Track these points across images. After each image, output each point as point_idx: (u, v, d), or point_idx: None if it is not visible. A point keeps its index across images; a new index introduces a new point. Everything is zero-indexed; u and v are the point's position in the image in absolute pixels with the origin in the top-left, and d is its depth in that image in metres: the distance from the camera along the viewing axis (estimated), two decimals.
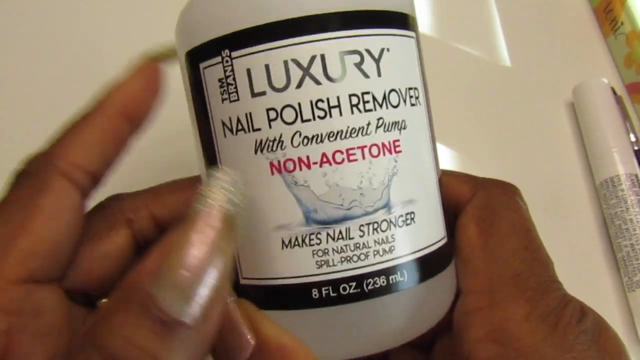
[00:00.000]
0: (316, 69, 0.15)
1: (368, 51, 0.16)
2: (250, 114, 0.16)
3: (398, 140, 0.16)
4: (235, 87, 0.16)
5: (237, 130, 0.16)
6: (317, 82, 0.15)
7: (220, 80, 0.16)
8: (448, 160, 0.32)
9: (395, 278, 0.16)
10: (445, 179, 0.19)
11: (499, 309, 0.17)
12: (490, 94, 0.34)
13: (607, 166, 0.30)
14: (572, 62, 0.35)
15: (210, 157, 0.17)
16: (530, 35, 0.36)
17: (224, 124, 0.16)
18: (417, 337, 0.22)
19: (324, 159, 0.15)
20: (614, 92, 0.32)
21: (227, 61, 0.16)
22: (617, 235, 0.29)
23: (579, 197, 0.31)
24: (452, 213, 0.19)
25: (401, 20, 0.17)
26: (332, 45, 0.15)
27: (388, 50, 0.16)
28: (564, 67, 0.35)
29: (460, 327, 0.18)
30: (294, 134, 0.15)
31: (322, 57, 0.15)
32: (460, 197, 0.20)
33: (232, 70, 0.16)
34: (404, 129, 0.16)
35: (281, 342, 0.15)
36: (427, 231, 0.17)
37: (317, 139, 0.15)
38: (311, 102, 0.15)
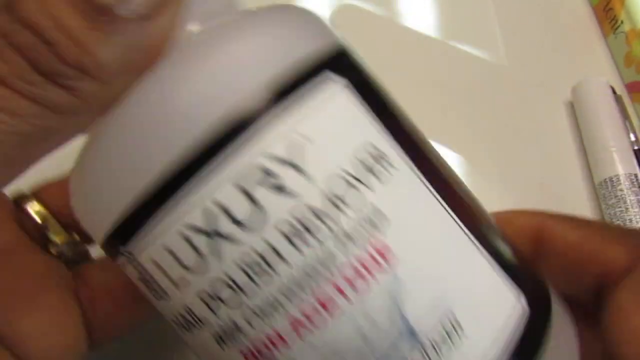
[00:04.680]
0: (222, 224, 0.11)
1: (276, 159, 0.11)
2: (188, 307, 0.12)
3: (383, 242, 0.12)
4: (158, 284, 0.13)
5: (189, 328, 0.13)
6: (232, 239, 0.11)
7: (140, 280, 0.13)
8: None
9: None
10: (579, 234, 0.15)
11: None
12: (488, 93, 0.34)
13: (606, 166, 0.30)
14: (571, 61, 0.35)
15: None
16: (528, 34, 0.35)
17: (174, 322, 0.13)
18: None
19: (296, 325, 0.12)
20: (614, 91, 0.32)
21: (131, 258, 0.13)
22: None
23: (578, 197, 0.31)
24: (589, 282, 0.15)
25: (312, 79, 0.12)
26: (223, 185, 0.11)
27: (308, 138, 0.12)
28: (562, 66, 0.35)
29: None
30: (244, 311, 0.12)
31: (220, 205, 0.11)
32: (609, 263, 0.15)
33: (141, 266, 0.13)
34: (385, 220, 0.12)
35: None
36: (484, 318, 0.12)
37: (274, 306, 0.12)
38: (238, 266, 0.12)
